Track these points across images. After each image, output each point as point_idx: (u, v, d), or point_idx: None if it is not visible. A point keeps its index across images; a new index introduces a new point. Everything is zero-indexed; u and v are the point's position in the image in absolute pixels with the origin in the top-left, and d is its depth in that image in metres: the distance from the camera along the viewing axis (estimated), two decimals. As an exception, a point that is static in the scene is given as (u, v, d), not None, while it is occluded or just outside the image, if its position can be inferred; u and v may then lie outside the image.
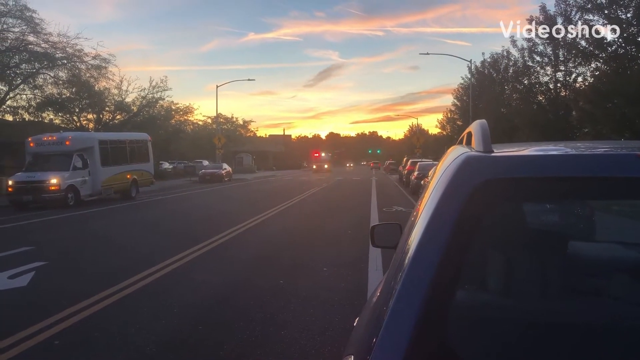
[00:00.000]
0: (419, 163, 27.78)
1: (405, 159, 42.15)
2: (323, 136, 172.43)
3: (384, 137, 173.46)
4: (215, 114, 53.79)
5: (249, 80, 59.33)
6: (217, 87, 49.68)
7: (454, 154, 1.88)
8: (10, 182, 20.95)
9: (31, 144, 22.49)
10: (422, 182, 22.69)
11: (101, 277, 8.26)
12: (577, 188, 1.58)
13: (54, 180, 20.53)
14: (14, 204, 20.59)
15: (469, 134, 2.17)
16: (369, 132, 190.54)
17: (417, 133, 67.86)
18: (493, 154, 1.71)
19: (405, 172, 33.64)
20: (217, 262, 9.53)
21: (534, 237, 1.84)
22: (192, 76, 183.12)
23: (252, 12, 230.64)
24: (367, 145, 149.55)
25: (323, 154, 77.74)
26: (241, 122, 73.67)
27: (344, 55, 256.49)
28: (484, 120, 1.95)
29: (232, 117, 71.96)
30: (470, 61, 43.05)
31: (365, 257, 9.39)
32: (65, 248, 11.59)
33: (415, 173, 25.84)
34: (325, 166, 70.48)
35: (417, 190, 24.08)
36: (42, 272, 8.76)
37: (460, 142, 2.49)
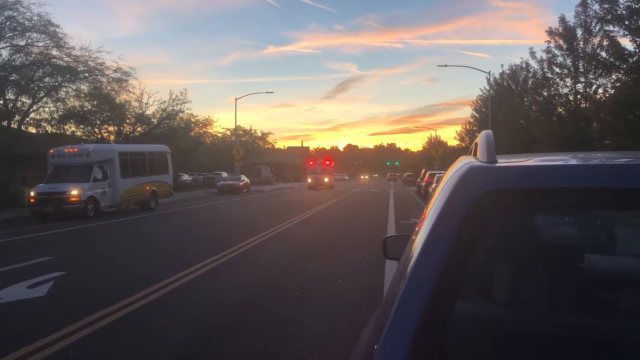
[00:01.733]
0: (436, 175, 27.66)
1: (423, 171, 41.96)
2: (341, 148, 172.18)
3: (403, 148, 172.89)
4: (234, 126, 54.19)
5: (267, 92, 59.81)
6: (236, 99, 50.02)
7: (460, 164, 1.88)
8: (32, 193, 21.33)
9: (53, 156, 22.89)
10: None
11: (118, 287, 8.33)
12: (580, 199, 1.57)
13: (74, 192, 20.83)
14: (36, 214, 20.93)
15: (477, 145, 2.17)
16: (388, 143, 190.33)
17: (435, 145, 67.44)
18: (496, 165, 1.70)
19: (424, 184, 33.50)
20: (233, 275, 9.55)
21: (537, 248, 1.82)
22: (212, 89, 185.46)
23: (271, 25, 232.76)
24: (385, 157, 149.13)
25: (317, 162, 58.29)
26: (260, 134, 74.26)
27: (363, 68, 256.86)
28: (489, 131, 1.95)
29: (251, 129, 72.61)
30: (489, 73, 42.78)
31: (381, 268, 9.34)
32: (84, 258, 11.72)
33: (433, 185, 25.73)
34: (326, 179, 54.18)
35: (435, 203, 23.91)
36: (60, 282, 8.86)
37: (470, 153, 2.49)
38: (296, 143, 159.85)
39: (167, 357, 5.31)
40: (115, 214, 23.05)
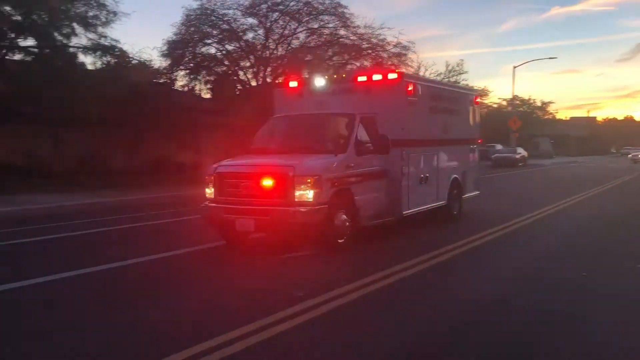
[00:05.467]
0: None
1: None
2: (637, 118, 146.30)
3: None
4: (511, 96, 51.76)
5: (550, 58, 54.54)
6: (514, 67, 47.49)
7: None
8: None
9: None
10: None
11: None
12: None
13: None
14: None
15: None
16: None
17: None
18: None
19: None
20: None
21: None
22: (488, 58, 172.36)
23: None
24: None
25: (319, 84, 9.94)
26: (539, 104, 69.34)
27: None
28: None
29: (529, 99, 68.08)
30: None
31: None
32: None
33: None
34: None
35: None
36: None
37: None
38: (581, 113, 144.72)
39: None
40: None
